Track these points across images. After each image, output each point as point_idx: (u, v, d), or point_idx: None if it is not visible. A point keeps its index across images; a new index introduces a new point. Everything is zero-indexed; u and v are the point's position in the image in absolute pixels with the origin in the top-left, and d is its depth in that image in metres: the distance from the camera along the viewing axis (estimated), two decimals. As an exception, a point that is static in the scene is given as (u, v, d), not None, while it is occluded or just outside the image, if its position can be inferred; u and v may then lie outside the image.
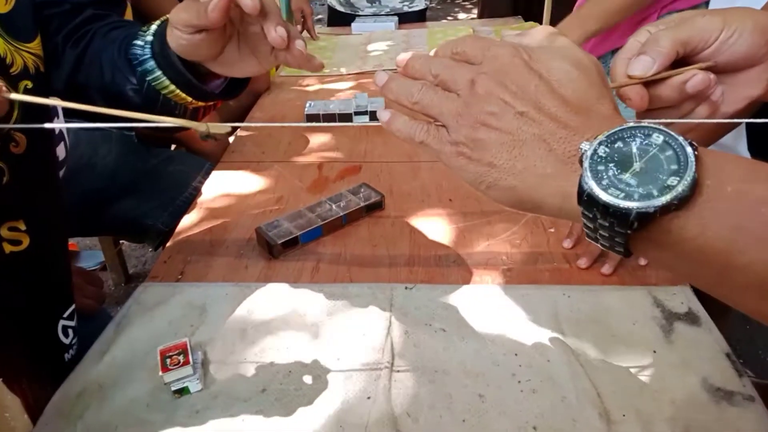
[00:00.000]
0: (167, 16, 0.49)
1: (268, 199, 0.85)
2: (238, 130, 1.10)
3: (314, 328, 0.61)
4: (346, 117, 1.08)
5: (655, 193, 0.26)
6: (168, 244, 0.77)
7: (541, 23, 1.82)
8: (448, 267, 0.69)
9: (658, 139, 0.27)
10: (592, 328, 0.59)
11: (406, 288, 0.65)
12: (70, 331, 0.62)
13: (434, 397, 0.52)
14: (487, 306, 0.62)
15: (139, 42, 0.52)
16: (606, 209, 0.26)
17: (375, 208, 0.80)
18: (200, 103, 0.55)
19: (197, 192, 0.88)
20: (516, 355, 0.56)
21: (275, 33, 0.45)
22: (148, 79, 0.52)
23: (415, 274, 0.68)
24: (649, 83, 0.36)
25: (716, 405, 0.50)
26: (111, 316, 0.66)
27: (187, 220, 0.81)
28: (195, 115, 0.56)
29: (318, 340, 0.59)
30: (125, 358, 0.59)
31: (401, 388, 0.53)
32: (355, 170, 0.91)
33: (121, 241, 1.60)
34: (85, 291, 0.72)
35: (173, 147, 1.20)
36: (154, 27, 0.52)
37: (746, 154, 0.75)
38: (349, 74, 1.39)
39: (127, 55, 0.52)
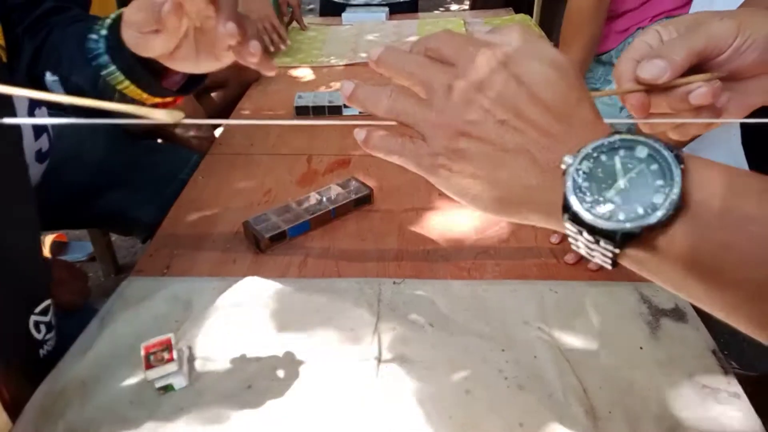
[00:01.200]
0: (122, 10, 0.47)
1: (256, 192, 0.84)
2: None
3: (302, 323, 0.60)
4: (336, 109, 1.07)
5: (641, 211, 0.25)
6: (154, 238, 0.76)
7: (531, 15, 1.81)
8: (437, 262, 0.69)
9: (642, 152, 0.26)
10: (579, 324, 0.59)
11: (394, 283, 0.65)
12: (43, 327, 0.61)
13: (421, 393, 0.52)
14: (475, 301, 0.62)
15: (93, 36, 0.50)
16: (591, 229, 0.26)
17: (364, 202, 0.79)
18: (156, 99, 0.53)
19: (184, 185, 0.87)
20: (503, 351, 0.56)
21: (224, 29, 0.43)
22: (102, 74, 0.50)
23: (403, 268, 0.68)
24: (652, 89, 0.34)
25: (702, 402, 0.51)
26: (96, 311, 0.65)
27: (174, 214, 0.80)
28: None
29: (305, 336, 0.59)
30: (109, 354, 0.58)
31: (389, 383, 0.53)
32: (345, 163, 0.90)
33: (110, 233, 1.58)
34: (70, 286, 0.71)
35: (160, 140, 1.19)
36: (108, 21, 0.50)
37: (739, 148, 0.75)
38: (340, 65, 1.38)
39: (82, 49, 0.51)
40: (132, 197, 0.99)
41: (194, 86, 0.56)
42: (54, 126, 0.88)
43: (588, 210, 0.26)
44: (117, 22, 0.49)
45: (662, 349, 0.56)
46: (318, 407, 0.51)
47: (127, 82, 0.51)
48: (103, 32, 0.50)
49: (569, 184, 0.26)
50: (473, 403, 0.51)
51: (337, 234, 0.74)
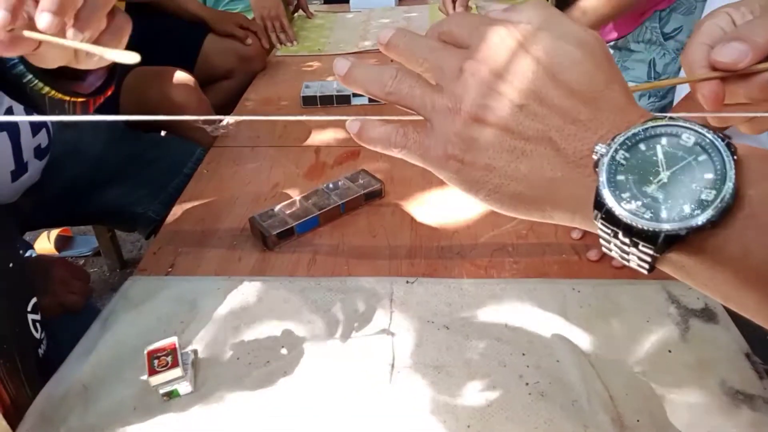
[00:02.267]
0: None
1: (263, 186, 0.81)
2: (233, 112, 1.05)
3: (311, 325, 0.58)
4: (345, 98, 1.04)
5: (687, 210, 0.22)
6: (157, 235, 0.73)
7: None
8: (451, 259, 0.66)
9: (688, 140, 0.23)
10: (603, 325, 0.56)
11: (407, 282, 0.62)
12: (39, 325, 0.60)
13: (438, 401, 0.49)
14: (492, 302, 0.59)
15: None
16: (628, 229, 0.23)
17: (374, 196, 0.76)
18: (81, 99, 0.51)
19: (188, 179, 0.84)
20: (524, 354, 0.53)
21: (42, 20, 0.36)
22: (24, 81, 0.48)
23: (416, 266, 0.65)
24: (728, 76, 0.30)
25: (736, 409, 0.48)
26: (99, 310, 0.63)
27: (178, 210, 0.78)
28: (85, 108, 0.52)
29: (315, 339, 0.56)
30: (112, 357, 0.56)
31: (403, 390, 0.51)
32: (354, 155, 0.87)
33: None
34: (71, 286, 0.69)
35: (163, 132, 1.16)
36: None
37: (766, 137, 0.71)
38: (349, 53, 1.34)
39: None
40: (135, 192, 0.96)
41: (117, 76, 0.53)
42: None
43: (624, 207, 0.23)
44: None
45: (692, 352, 0.53)
46: (329, 415, 0.49)
47: (47, 88, 0.48)
48: None
49: (603, 177, 0.23)
50: (493, 411, 0.48)
51: (347, 230, 0.72)
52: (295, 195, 0.75)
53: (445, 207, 0.75)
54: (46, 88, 0.48)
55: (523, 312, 0.58)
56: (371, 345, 0.55)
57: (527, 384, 0.51)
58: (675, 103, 0.89)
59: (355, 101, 1.04)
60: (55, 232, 1.61)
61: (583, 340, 0.54)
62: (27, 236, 1.63)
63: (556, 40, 0.25)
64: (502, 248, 0.67)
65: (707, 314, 0.57)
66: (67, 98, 0.50)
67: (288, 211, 0.72)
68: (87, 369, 0.55)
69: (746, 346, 0.53)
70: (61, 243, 1.61)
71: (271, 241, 0.68)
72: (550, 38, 0.25)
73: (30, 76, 0.47)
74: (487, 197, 0.27)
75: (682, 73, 0.32)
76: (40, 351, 0.60)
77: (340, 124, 0.97)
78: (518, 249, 0.67)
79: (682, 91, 0.88)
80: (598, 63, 0.25)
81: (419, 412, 0.49)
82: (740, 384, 0.50)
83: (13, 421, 0.50)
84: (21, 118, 0.46)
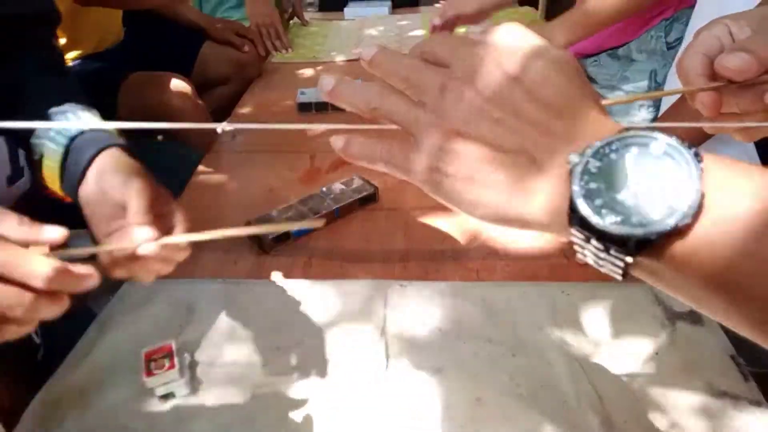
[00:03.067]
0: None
1: (258, 191, 0.82)
2: (228, 118, 1.06)
3: (306, 327, 0.59)
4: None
5: (656, 215, 0.23)
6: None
7: (536, 8, 1.78)
8: (444, 263, 0.67)
9: (657, 149, 0.24)
10: (592, 328, 0.57)
11: (400, 285, 0.63)
12: (38, 330, 0.60)
13: (431, 402, 0.50)
14: (484, 304, 0.60)
15: (63, 117, 0.50)
16: (601, 234, 0.24)
17: (369, 200, 0.77)
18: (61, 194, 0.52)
19: (185, 184, 0.85)
20: (514, 356, 0.54)
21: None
22: (41, 150, 0.50)
23: (409, 270, 0.66)
24: (725, 86, 0.31)
25: (722, 410, 0.49)
26: (94, 314, 0.63)
27: (174, 214, 0.78)
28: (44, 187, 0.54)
29: (310, 341, 0.57)
30: (108, 360, 0.56)
31: (396, 390, 0.51)
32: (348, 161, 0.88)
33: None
34: None
35: (159, 137, 1.17)
36: (90, 139, 0.49)
37: (752, 144, 0.72)
38: (343, 60, 1.36)
39: (46, 115, 0.50)
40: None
41: None
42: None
43: (597, 214, 0.24)
44: (86, 150, 0.48)
45: (678, 354, 0.54)
46: (324, 416, 0.50)
47: (56, 177, 0.50)
48: (63, 141, 0.49)
49: (576, 186, 0.24)
50: (485, 412, 0.49)
51: (342, 234, 0.73)
52: (291, 200, 0.76)
53: (437, 212, 0.76)
54: (56, 177, 0.50)
55: (514, 314, 0.59)
56: (365, 347, 0.56)
57: (518, 385, 0.52)
58: (660, 113, 0.89)
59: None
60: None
61: (572, 341, 0.56)
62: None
63: (531, 58, 0.27)
64: (494, 252, 0.68)
65: (693, 317, 0.58)
66: (58, 191, 0.51)
67: (284, 215, 0.73)
68: (83, 372, 0.55)
69: (731, 348, 0.54)
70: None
71: (267, 245, 0.69)
72: (525, 57, 0.27)
73: (55, 159, 0.49)
74: (468, 207, 0.28)
75: (675, 83, 0.33)
76: (39, 356, 0.60)
77: (335, 130, 0.98)
78: (509, 253, 0.68)
79: (667, 100, 0.89)
80: (572, 79, 0.27)
81: (412, 412, 0.49)
82: (726, 385, 0.51)
83: (11, 427, 0.50)
84: (21, 124, 0.48)
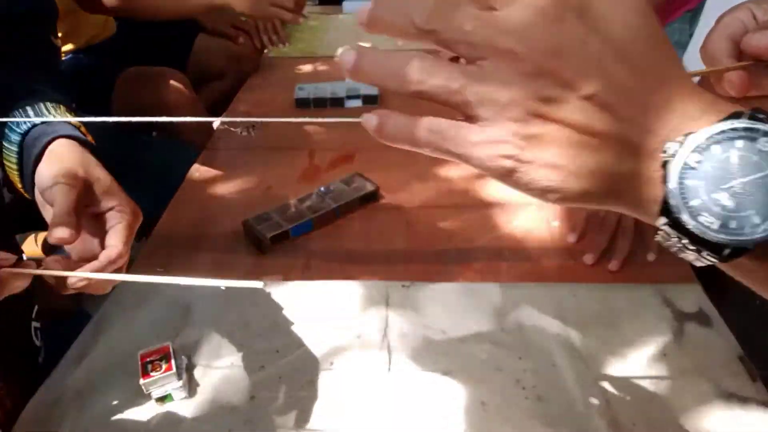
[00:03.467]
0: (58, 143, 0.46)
1: (256, 189, 0.81)
2: (224, 114, 1.04)
3: (306, 330, 0.57)
4: (338, 101, 1.03)
5: (757, 220, 0.21)
6: (150, 237, 0.72)
7: None
8: (448, 263, 0.66)
9: (765, 146, 0.21)
10: (599, 329, 0.56)
11: (403, 286, 0.62)
12: (39, 333, 0.59)
13: (434, 406, 0.49)
14: (489, 306, 0.59)
15: (21, 111, 0.47)
16: (695, 238, 0.22)
17: (369, 199, 0.76)
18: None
19: (181, 181, 0.83)
20: (520, 359, 0.53)
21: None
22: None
23: (412, 270, 0.65)
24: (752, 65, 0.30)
25: (730, 412, 0.48)
26: (90, 315, 0.62)
27: (170, 212, 0.77)
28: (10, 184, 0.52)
29: (310, 343, 0.56)
30: (105, 362, 0.55)
31: (399, 396, 0.50)
32: (348, 158, 0.87)
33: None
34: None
35: (154, 133, 1.15)
36: (46, 137, 0.46)
37: None
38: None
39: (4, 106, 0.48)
40: (127, 192, 0.95)
41: None
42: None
43: (693, 218, 0.21)
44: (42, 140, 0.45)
45: (687, 356, 0.53)
46: (324, 421, 0.48)
47: (15, 172, 0.48)
48: (17, 136, 0.46)
49: (672, 182, 0.21)
50: (490, 416, 0.48)
51: (342, 234, 0.71)
52: (289, 198, 0.74)
53: (440, 210, 0.75)
54: (15, 172, 0.47)
55: (520, 316, 0.58)
56: (366, 350, 0.55)
57: (524, 388, 0.50)
58: None
59: (348, 104, 1.04)
60: (42, 235, 1.59)
61: (579, 344, 0.54)
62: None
63: (612, 6, 0.21)
64: (499, 252, 0.67)
65: (702, 318, 0.57)
66: (17, 184, 0.49)
67: (282, 215, 0.71)
68: (79, 375, 0.54)
69: (740, 350, 0.53)
70: (49, 246, 1.59)
71: (265, 245, 0.68)
72: (603, 3, 0.21)
73: (13, 156, 0.46)
74: (544, 194, 0.23)
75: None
76: (40, 359, 0.58)
77: (335, 128, 0.97)
78: (515, 253, 0.67)
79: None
80: (658, 35, 0.22)
81: (415, 416, 0.48)
82: (735, 387, 0.50)
83: (8, 429, 0.49)
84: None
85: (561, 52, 0.21)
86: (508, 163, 0.23)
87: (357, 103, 1.03)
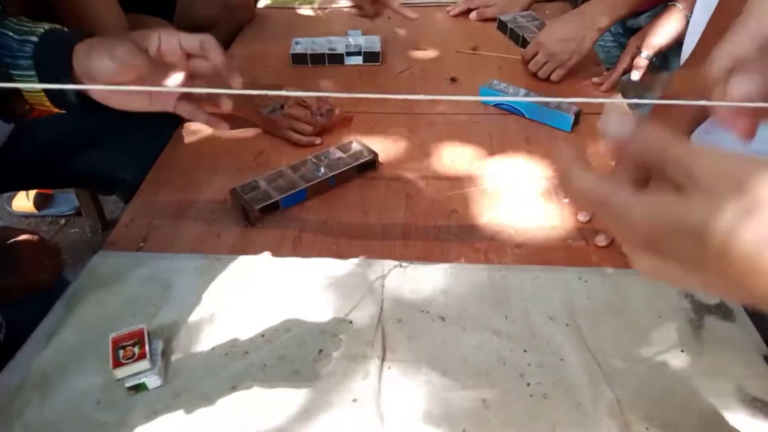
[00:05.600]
0: (56, 26, 0.48)
1: (246, 155, 0.75)
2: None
3: (294, 313, 0.53)
4: (337, 57, 0.96)
5: None
6: (130, 205, 0.67)
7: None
8: (449, 241, 0.61)
9: None
10: (611, 320, 0.52)
11: (400, 266, 0.57)
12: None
13: (430, 402, 0.45)
14: (492, 290, 0.55)
15: (11, 33, 0.47)
16: None
17: (367, 168, 0.70)
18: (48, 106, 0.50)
19: (167, 142, 0.77)
20: (525, 351, 0.49)
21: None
22: (11, 72, 0.47)
23: (410, 248, 0.60)
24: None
25: (751, 418, 0.44)
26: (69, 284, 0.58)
27: (153, 177, 0.72)
28: (31, 111, 0.52)
29: (298, 328, 0.51)
30: (75, 343, 0.51)
31: (393, 390, 0.46)
32: (346, 122, 0.80)
33: (95, 188, 1.49)
34: (39, 264, 0.63)
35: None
36: (40, 30, 0.47)
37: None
38: (346, 7, 1.24)
39: None
40: (113, 156, 0.89)
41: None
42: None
43: None
44: (52, 35, 0.47)
45: (706, 353, 0.49)
46: (310, 416, 0.45)
47: (40, 94, 0.48)
48: (32, 38, 0.47)
49: None
50: (490, 414, 0.44)
51: (337, 205, 0.66)
52: (281, 165, 0.68)
53: (442, 182, 0.69)
54: (39, 93, 0.48)
55: (526, 303, 0.53)
56: (359, 336, 0.50)
57: (528, 384, 0.47)
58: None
59: (348, 61, 0.96)
60: (33, 192, 1.54)
61: (589, 336, 0.50)
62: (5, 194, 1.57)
63: None
64: (504, 231, 0.62)
65: (723, 311, 0.52)
66: (46, 104, 0.49)
67: (272, 183, 0.66)
68: (48, 356, 0.50)
69: (764, 347, 0.49)
70: (41, 201, 1.54)
71: (253, 216, 0.62)
72: None
73: (32, 73, 0.46)
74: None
75: None
76: (0, 336, 0.55)
77: (332, 86, 0.90)
78: (521, 232, 0.61)
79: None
80: None
81: (410, 413, 0.45)
82: (758, 390, 0.46)
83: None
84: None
85: None
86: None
87: (357, 60, 0.96)
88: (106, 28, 0.82)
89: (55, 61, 0.46)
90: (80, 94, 0.48)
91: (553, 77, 0.88)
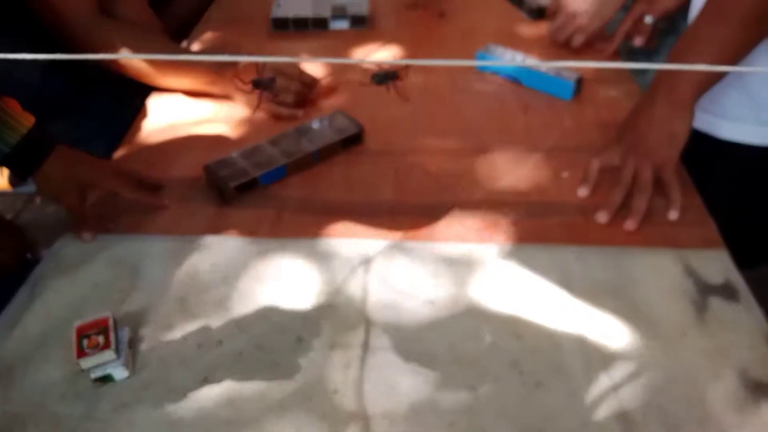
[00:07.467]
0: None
1: (221, 129, 0.70)
2: (188, 38, 0.91)
3: (272, 297, 0.50)
4: (321, 22, 0.90)
5: None
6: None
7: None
8: (439, 219, 0.57)
9: None
10: (610, 302, 0.49)
11: (387, 246, 0.54)
12: None
13: (417, 393, 0.42)
14: (484, 272, 0.51)
15: None
16: None
17: (352, 142, 0.66)
18: None
19: (138, 114, 0.73)
20: (518, 337, 0.46)
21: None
22: None
23: (398, 225, 0.56)
24: None
25: (755, 404, 0.42)
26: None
27: (122, 152, 0.67)
28: None
29: (276, 314, 0.48)
30: (39, 331, 0.48)
31: (376, 379, 0.43)
32: (330, 91, 0.75)
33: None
34: (1, 244, 0.59)
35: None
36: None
37: None
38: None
39: None
40: (82, 126, 0.84)
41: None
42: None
43: None
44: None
45: (710, 336, 0.46)
46: (287, 408, 0.42)
47: None
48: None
49: None
50: (480, 406, 0.42)
51: (320, 182, 0.62)
52: (260, 140, 0.64)
53: (432, 157, 0.65)
54: None
55: (519, 285, 0.50)
56: (341, 323, 0.47)
57: (521, 372, 0.44)
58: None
59: (333, 26, 0.90)
60: (5, 170, 1.48)
61: (587, 319, 0.47)
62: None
63: None
64: (498, 207, 0.58)
65: (728, 291, 0.49)
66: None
67: (250, 159, 0.61)
68: (10, 346, 0.47)
69: (771, 329, 0.46)
70: (16, 178, 1.49)
71: (229, 194, 0.58)
72: None
73: None
74: None
75: None
76: None
77: (316, 53, 0.84)
78: (517, 208, 0.58)
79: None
80: None
81: (394, 404, 0.42)
82: (763, 375, 0.43)
83: None
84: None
85: None
86: None
87: (343, 24, 0.90)
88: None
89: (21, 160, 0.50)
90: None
91: (574, 42, 0.82)
